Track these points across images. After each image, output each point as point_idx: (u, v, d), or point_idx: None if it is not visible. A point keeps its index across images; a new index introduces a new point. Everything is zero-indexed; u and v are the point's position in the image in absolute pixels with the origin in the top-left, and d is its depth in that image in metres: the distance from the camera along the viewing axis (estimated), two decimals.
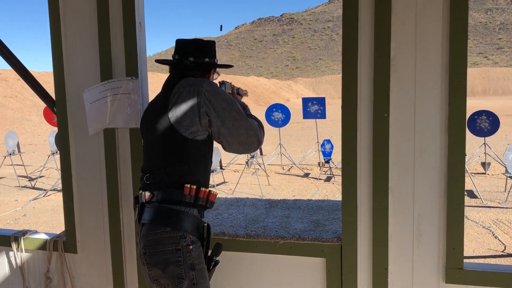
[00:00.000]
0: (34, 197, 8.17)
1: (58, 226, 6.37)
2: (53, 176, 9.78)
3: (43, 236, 2.72)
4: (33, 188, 9.05)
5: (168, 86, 1.96)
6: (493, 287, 2.07)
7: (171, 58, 2.06)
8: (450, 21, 1.99)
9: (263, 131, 2.02)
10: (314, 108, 9.70)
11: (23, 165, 10.21)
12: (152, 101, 2.06)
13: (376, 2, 2.05)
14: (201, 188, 1.90)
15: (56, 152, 9.27)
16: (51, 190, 8.51)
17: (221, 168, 9.24)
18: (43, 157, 12.70)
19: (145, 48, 2.49)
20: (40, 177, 9.91)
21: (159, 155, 1.92)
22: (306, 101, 9.85)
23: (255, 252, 2.34)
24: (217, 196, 2.06)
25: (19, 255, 2.71)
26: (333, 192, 7.99)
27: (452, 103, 2.02)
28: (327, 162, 9.27)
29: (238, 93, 2.26)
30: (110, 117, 2.44)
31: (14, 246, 2.71)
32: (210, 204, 1.95)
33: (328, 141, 9.22)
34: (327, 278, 2.26)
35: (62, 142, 2.56)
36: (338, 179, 9.02)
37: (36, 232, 2.80)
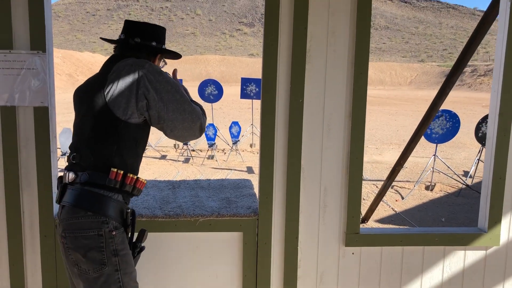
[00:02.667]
0: None
1: None
2: None
3: None
4: None
5: (107, 64, 1.86)
6: (380, 246, 2.50)
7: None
8: (356, 19, 2.30)
9: (206, 117, 1.98)
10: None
11: None
12: (88, 78, 1.93)
13: None
14: (128, 174, 1.83)
15: None
16: None
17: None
18: None
19: (51, 20, 2.29)
20: None
21: (88, 134, 1.82)
22: None
23: (174, 232, 2.39)
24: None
25: None
26: (194, 173, 8.16)
27: (355, 92, 2.35)
28: (185, 144, 9.38)
29: (174, 75, 2.22)
30: (9, 95, 2.20)
31: None
32: (137, 192, 1.90)
33: (212, 125, 9.32)
34: (243, 250, 2.43)
35: None
36: (196, 160, 9.22)
37: None
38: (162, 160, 9.23)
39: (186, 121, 1.85)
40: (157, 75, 1.81)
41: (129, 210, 1.87)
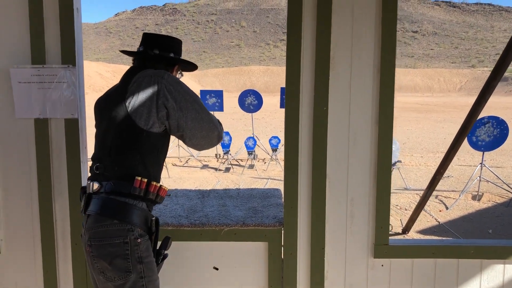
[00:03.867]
0: None
1: None
2: None
3: None
4: None
5: (127, 76, 1.90)
6: (411, 258, 2.41)
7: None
8: (381, 25, 2.24)
9: (222, 128, 2.03)
10: (212, 100, 9.80)
11: None
12: (107, 91, 1.99)
13: (318, 3, 2.23)
14: (152, 182, 1.86)
15: None
16: None
17: None
18: None
19: (81, 35, 2.39)
20: None
21: (111, 144, 1.85)
22: (204, 93, 9.91)
23: (199, 241, 2.40)
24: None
25: None
26: (234, 182, 8.20)
27: (382, 99, 2.28)
28: (226, 153, 9.46)
29: None
30: (42, 107, 2.30)
31: None
32: (160, 199, 1.93)
33: (227, 133, 9.41)
34: (269, 260, 2.41)
35: None
36: (237, 169, 9.28)
37: None
38: (203, 170, 9.35)
39: (204, 129, 1.89)
40: (176, 85, 1.85)
41: (154, 218, 1.90)
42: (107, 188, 1.82)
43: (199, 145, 1.96)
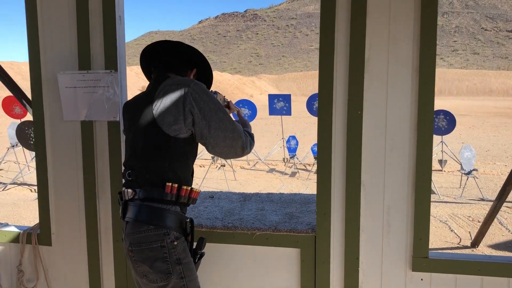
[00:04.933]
0: None
1: (20, 220, 6.21)
2: (12, 170, 9.47)
3: (15, 229, 2.69)
4: None
5: (153, 84, 1.96)
6: (454, 274, 2.23)
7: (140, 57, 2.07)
8: (420, 25, 2.11)
9: (253, 142, 2.02)
10: (279, 104, 9.82)
11: None
12: (136, 97, 2.06)
13: (352, 4, 2.15)
14: (183, 187, 1.90)
15: (16, 144, 8.99)
16: (10, 184, 8.25)
17: None
18: None
19: (124, 41, 2.51)
20: None
21: (141, 152, 1.91)
22: (272, 97, 9.97)
23: (232, 244, 2.41)
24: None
25: None
26: (298, 187, 8.15)
27: (421, 103, 2.15)
28: (292, 157, 9.43)
29: (229, 106, 2.27)
30: (88, 110, 2.44)
31: None
32: (192, 201, 1.97)
33: (294, 137, 9.39)
34: (301, 268, 2.35)
35: (37, 133, 2.54)
36: (303, 174, 9.21)
37: (7, 224, 2.77)
38: (269, 174, 9.39)
39: (228, 139, 1.89)
40: (201, 93, 1.86)
41: (188, 220, 1.95)
42: (140, 195, 1.88)
43: (223, 154, 1.95)
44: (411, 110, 2.18)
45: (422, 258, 2.23)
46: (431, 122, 2.16)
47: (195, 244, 2.03)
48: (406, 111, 2.19)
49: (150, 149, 1.88)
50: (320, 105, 2.25)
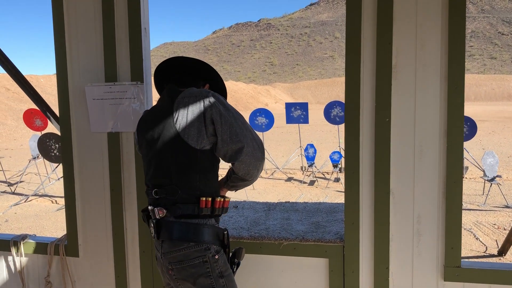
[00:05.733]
0: (15, 202, 8.02)
1: (43, 232, 6.28)
2: (34, 181, 9.61)
3: (43, 240, 2.71)
4: (13, 193, 8.87)
5: (170, 96, 1.93)
6: (488, 284, 2.18)
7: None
8: (448, 30, 2.09)
9: (263, 150, 1.97)
10: (297, 113, 9.81)
11: (1, 170, 9.99)
12: (149, 113, 2.03)
13: (378, 11, 2.14)
14: (216, 199, 1.90)
15: (38, 156, 9.13)
16: (32, 195, 8.36)
17: None
18: (21, 162, 12.47)
19: (149, 53, 2.53)
20: (20, 182, 9.72)
21: (168, 168, 1.86)
22: (289, 106, 9.96)
23: (259, 254, 2.39)
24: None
25: (19, 259, 2.70)
26: (317, 195, 8.09)
27: (450, 108, 2.11)
28: (310, 166, 9.39)
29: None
30: (114, 122, 2.46)
31: (13, 250, 2.69)
32: (225, 211, 1.97)
33: (312, 146, 9.34)
34: (329, 278, 2.32)
35: (64, 145, 2.56)
36: (322, 183, 9.14)
37: (35, 236, 2.79)
38: (288, 182, 9.35)
39: (249, 147, 1.86)
40: (219, 104, 1.85)
41: (225, 232, 1.94)
42: (175, 213, 1.85)
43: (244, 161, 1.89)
44: (440, 116, 2.15)
45: (455, 268, 2.18)
46: (461, 128, 2.12)
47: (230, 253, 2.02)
48: (435, 117, 2.15)
49: (179, 164, 1.85)
50: (347, 113, 2.22)
